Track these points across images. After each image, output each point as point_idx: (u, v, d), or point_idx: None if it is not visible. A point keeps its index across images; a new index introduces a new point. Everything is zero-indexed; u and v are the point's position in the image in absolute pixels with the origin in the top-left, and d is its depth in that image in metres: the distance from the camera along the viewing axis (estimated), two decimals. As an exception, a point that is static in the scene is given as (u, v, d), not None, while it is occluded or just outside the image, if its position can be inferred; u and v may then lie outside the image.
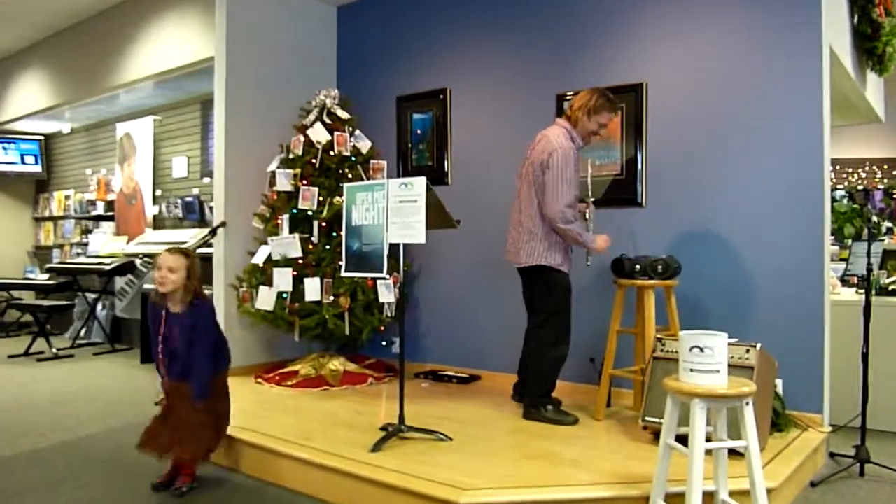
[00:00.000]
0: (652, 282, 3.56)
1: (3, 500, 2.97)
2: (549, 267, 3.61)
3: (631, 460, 2.96)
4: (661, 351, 3.28)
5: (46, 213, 9.26)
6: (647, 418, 3.20)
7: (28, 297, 8.15)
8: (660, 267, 3.55)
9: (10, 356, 6.63)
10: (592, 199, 3.78)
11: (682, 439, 2.37)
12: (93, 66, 6.90)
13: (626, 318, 3.79)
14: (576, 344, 4.26)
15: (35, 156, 9.19)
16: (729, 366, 2.34)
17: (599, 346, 3.94)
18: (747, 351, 3.06)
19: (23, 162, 9.12)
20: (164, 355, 3.09)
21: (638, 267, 3.59)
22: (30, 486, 3.13)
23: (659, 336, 3.34)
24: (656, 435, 3.04)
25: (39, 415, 4.39)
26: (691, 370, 2.30)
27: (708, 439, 2.33)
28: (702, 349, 2.28)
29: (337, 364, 4.71)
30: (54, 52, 7.60)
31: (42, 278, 7.98)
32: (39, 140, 9.18)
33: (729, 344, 2.34)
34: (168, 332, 3.08)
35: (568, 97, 4.36)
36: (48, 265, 8.02)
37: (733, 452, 2.54)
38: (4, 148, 9.04)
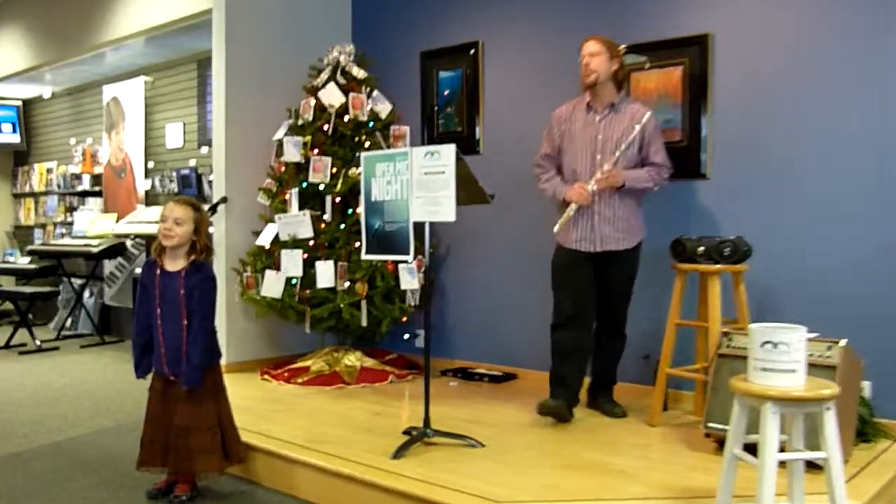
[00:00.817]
0: (717, 267, 3.52)
1: (-16, 508, 3.07)
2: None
3: (690, 472, 2.95)
4: (728, 347, 3.26)
5: (26, 189, 9.45)
6: (709, 424, 3.19)
7: (7, 283, 8.36)
8: (727, 249, 3.52)
9: (-11, 349, 6.81)
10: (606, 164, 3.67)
11: (751, 449, 2.36)
12: (76, 22, 6.99)
13: (686, 308, 3.76)
14: (627, 338, 4.25)
15: (13, 124, 9.35)
16: (807, 365, 2.32)
17: (655, 341, 3.92)
18: (829, 348, 3.02)
19: (-1, 131, 9.29)
20: (162, 331, 3.04)
21: (701, 249, 3.55)
22: (13, 494, 3.22)
23: (725, 330, 3.31)
24: (720, 444, 3.03)
25: (22, 414, 4.51)
26: (763, 369, 2.28)
27: (781, 449, 2.31)
28: (775, 345, 2.26)
29: (353, 359, 4.76)
30: (32, 6, 7.70)
31: (23, 262, 8.15)
32: (17, 106, 9.34)
33: (808, 340, 2.31)
34: (162, 295, 3.04)
35: (621, 52, 4.30)
36: (29, 247, 8.19)
37: (811, 465, 2.52)
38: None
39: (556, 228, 3.70)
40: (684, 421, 3.73)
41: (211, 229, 5.02)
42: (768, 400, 2.25)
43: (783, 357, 2.26)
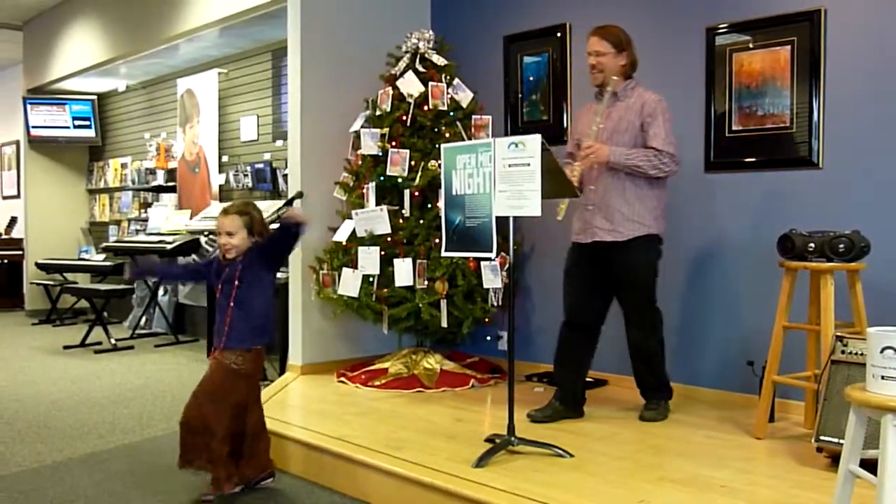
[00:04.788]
0: (831, 265, 3.42)
1: (64, 508, 3.24)
2: None
3: (799, 489, 2.88)
4: (843, 353, 3.16)
5: (101, 185, 9.89)
6: (822, 437, 3.11)
7: (83, 281, 8.79)
8: (842, 246, 3.41)
9: (66, 347, 7.18)
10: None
11: (869, 466, 2.29)
12: (150, 14, 7.28)
13: (795, 310, 3.66)
14: (729, 342, 4.18)
15: (88, 118, 9.79)
16: (934, 373, 2.23)
17: (760, 346, 3.83)
18: (959, 354, 2.89)
19: (74, 126, 9.75)
20: (222, 321, 3.31)
21: (812, 246, 3.45)
22: (89, 495, 3.39)
23: (839, 334, 3.22)
24: (834, 459, 2.95)
25: (97, 414, 4.74)
26: (883, 377, 2.21)
27: (904, 466, 2.23)
28: (897, 351, 2.18)
29: (432, 362, 4.81)
30: (107, -2, 8.05)
31: (98, 259, 8.54)
32: (92, 100, 9.78)
33: (934, 345, 2.23)
34: (225, 286, 3.32)
35: (721, 30, 4.22)
36: (104, 244, 8.58)
37: (938, 484, 2.42)
38: (54, 110, 9.69)
39: (558, 216, 3.77)
40: (793, 433, 3.64)
41: (277, 224, 5.16)
42: (890, 412, 2.18)
43: (906, 365, 2.18)
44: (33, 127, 9.62)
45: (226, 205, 3.45)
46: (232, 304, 3.29)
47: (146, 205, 8.91)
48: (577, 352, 3.94)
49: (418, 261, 4.60)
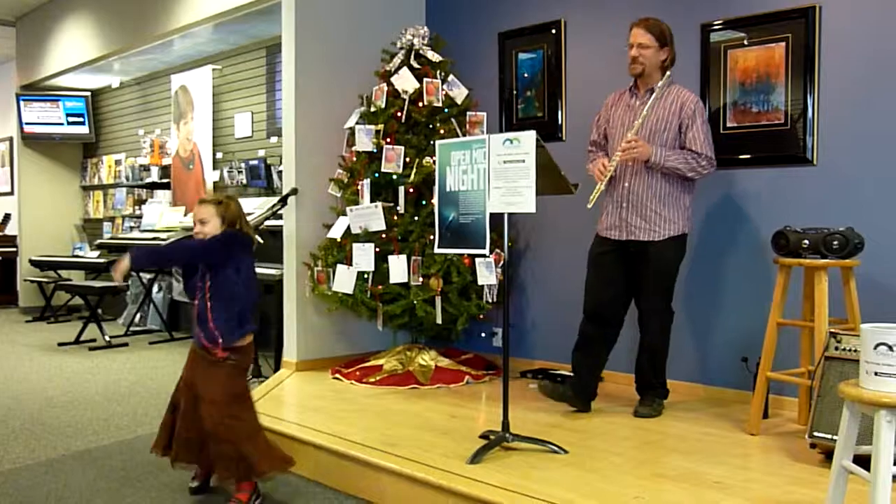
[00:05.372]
0: (825, 261, 3.42)
1: (58, 505, 3.23)
2: None
3: (793, 485, 2.89)
4: (836, 349, 3.17)
5: (95, 181, 9.87)
6: (815, 433, 3.12)
7: (77, 278, 8.76)
8: (836, 242, 3.41)
9: (60, 344, 7.17)
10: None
11: (862, 461, 2.29)
12: (143, 10, 7.26)
13: (789, 306, 3.67)
14: (724, 339, 4.18)
15: (82, 115, 9.77)
16: (927, 369, 2.24)
17: (755, 342, 3.84)
18: (952, 351, 2.90)
19: (68, 123, 9.73)
20: (200, 307, 3.21)
21: (806, 242, 3.46)
22: (84, 492, 3.39)
23: (833, 330, 3.23)
24: (828, 455, 2.95)
25: (92, 411, 4.73)
26: (876, 374, 2.22)
27: (897, 462, 2.24)
28: (891, 347, 2.19)
29: (427, 358, 4.81)
30: (101, -7, 8.02)
31: (92, 256, 8.51)
32: (86, 97, 9.75)
33: (928, 341, 2.24)
34: (201, 275, 3.24)
35: (716, 27, 4.23)
36: (98, 241, 8.57)
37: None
38: (48, 107, 9.67)
39: (589, 204, 3.76)
40: (787, 429, 3.65)
41: (280, 222, 5.16)
42: (883, 408, 2.19)
43: (900, 361, 2.18)
44: (27, 123, 9.59)
45: (202, 197, 3.40)
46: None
47: (140, 201, 8.89)
48: (596, 347, 3.95)
49: (413, 257, 4.60)
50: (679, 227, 3.81)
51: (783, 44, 3.99)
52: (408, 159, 4.76)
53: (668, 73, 3.82)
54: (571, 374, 4.00)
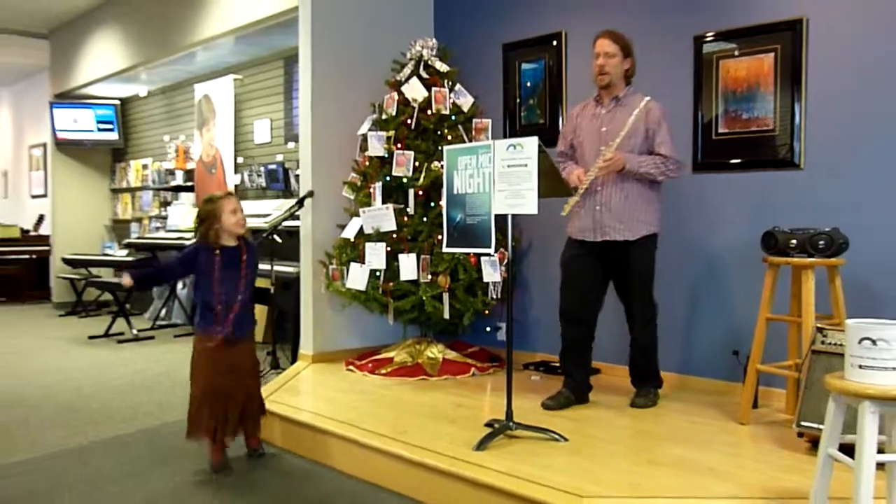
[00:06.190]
0: (812, 260, 3.41)
1: (88, 488, 3.24)
2: None
3: (782, 472, 2.87)
4: (822, 343, 3.15)
5: (124, 185, 9.89)
6: (802, 423, 3.10)
7: (106, 275, 8.79)
8: (822, 242, 3.39)
9: (91, 337, 7.19)
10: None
11: (847, 450, 2.28)
12: (169, 23, 7.27)
13: (778, 303, 3.65)
14: (716, 333, 4.17)
15: (111, 122, 9.80)
16: (909, 363, 2.22)
17: (745, 337, 3.83)
18: (933, 345, 2.88)
19: (98, 129, 9.76)
20: (220, 302, 3.45)
21: (794, 242, 3.44)
22: (113, 475, 3.40)
23: (820, 326, 3.21)
24: (814, 443, 2.94)
25: (120, 400, 4.74)
26: (861, 367, 2.21)
27: (880, 450, 2.22)
28: (875, 342, 2.18)
29: (435, 351, 4.81)
30: (129, 8, 8.06)
31: (120, 254, 8.55)
32: (115, 105, 9.78)
33: (910, 336, 2.22)
34: (221, 272, 3.47)
35: (708, 39, 4.21)
36: (126, 240, 8.59)
37: (913, 467, 2.42)
38: (79, 114, 9.69)
39: (563, 213, 3.75)
40: (775, 419, 3.63)
41: (298, 223, 5.16)
42: (866, 399, 2.18)
43: (883, 354, 2.17)
44: (60, 130, 9.62)
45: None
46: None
47: (166, 203, 8.92)
48: (579, 345, 3.94)
49: (422, 256, 4.60)
50: (652, 226, 3.80)
51: (772, 54, 3.97)
52: (417, 164, 4.75)
53: (631, 82, 3.82)
54: (566, 379, 3.95)
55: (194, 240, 3.70)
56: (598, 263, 3.86)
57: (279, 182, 6.88)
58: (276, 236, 5.16)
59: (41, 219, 10.71)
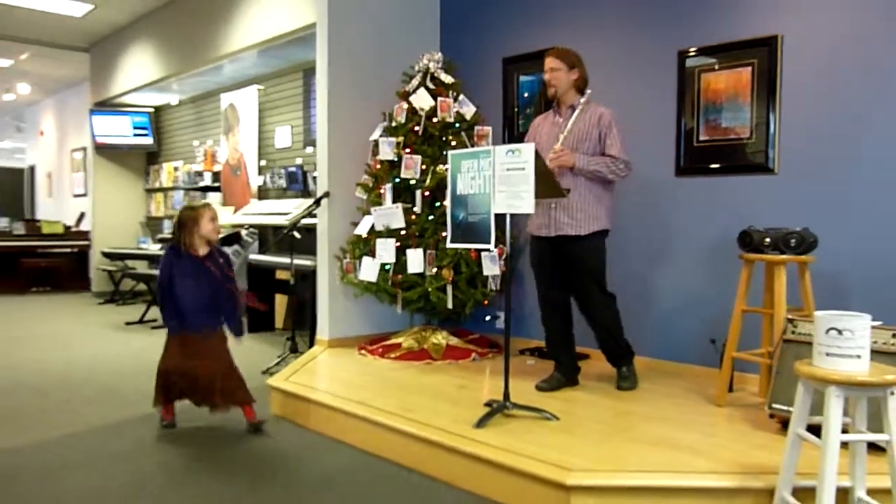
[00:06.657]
0: (784, 257, 3.40)
1: (124, 459, 3.26)
2: None
3: (755, 450, 2.88)
4: (793, 333, 3.15)
5: (157, 185, 9.90)
6: (774, 405, 3.10)
7: (141, 267, 8.80)
8: (793, 241, 3.39)
9: (127, 323, 7.21)
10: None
11: (814, 430, 2.28)
12: (198, 38, 7.27)
13: (752, 296, 3.65)
14: (695, 323, 4.17)
15: (146, 128, 9.81)
16: (872, 351, 2.22)
17: (722, 326, 3.82)
18: (894, 336, 2.88)
19: (134, 134, 9.77)
20: (194, 303, 3.60)
21: (768, 240, 3.44)
22: (148, 449, 3.44)
23: (790, 317, 3.20)
24: (784, 424, 2.94)
25: (154, 381, 4.73)
26: (828, 354, 2.20)
27: (844, 431, 2.22)
28: (840, 332, 2.17)
29: (440, 338, 4.81)
30: (161, 24, 8.05)
31: (154, 248, 8.56)
32: (149, 112, 9.79)
33: (872, 327, 2.22)
34: (196, 278, 3.61)
35: (691, 54, 4.20)
36: (159, 236, 8.60)
37: (873, 447, 2.41)
38: (117, 121, 9.71)
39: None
40: (749, 402, 3.63)
41: (315, 220, 5.16)
42: (832, 384, 2.18)
43: (848, 343, 2.17)
44: (99, 135, 9.63)
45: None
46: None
47: (195, 202, 8.91)
48: (560, 331, 3.95)
49: (428, 251, 4.60)
50: (602, 223, 3.78)
51: (749, 68, 3.96)
52: (424, 167, 4.75)
53: (587, 92, 3.80)
54: (556, 364, 3.96)
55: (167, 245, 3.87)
56: (554, 256, 3.85)
57: (298, 183, 6.88)
58: (295, 232, 5.16)
59: (82, 216, 10.73)
